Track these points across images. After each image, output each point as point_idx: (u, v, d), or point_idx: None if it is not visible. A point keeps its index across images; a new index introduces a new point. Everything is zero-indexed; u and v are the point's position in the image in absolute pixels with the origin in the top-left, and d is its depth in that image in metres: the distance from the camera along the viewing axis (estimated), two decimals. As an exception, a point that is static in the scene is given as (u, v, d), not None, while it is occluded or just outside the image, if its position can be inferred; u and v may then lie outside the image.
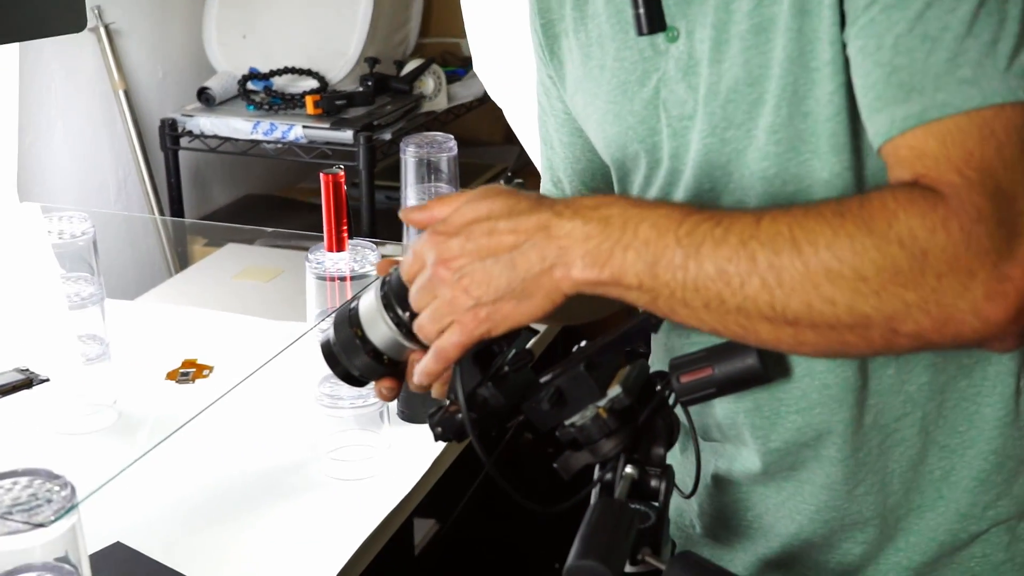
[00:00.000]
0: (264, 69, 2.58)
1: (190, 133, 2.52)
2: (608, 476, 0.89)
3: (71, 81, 2.36)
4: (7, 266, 1.70)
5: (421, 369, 0.90)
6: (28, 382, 1.56)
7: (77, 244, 1.51)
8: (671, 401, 0.92)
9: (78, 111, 2.40)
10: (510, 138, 2.49)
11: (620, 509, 0.82)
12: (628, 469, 0.88)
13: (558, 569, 0.79)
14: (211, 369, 1.70)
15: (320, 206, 1.46)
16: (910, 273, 0.75)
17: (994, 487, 1.01)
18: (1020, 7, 0.80)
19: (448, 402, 0.90)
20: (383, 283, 0.93)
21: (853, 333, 0.78)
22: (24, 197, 2.20)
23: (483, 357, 0.88)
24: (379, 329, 0.93)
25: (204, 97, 2.54)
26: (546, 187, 1.20)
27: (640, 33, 0.96)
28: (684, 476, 1.07)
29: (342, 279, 1.46)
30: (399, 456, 1.49)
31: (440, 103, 2.66)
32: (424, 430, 0.94)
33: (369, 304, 0.94)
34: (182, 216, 2.60)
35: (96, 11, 2.39)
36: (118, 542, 1.31)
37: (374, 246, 1.50)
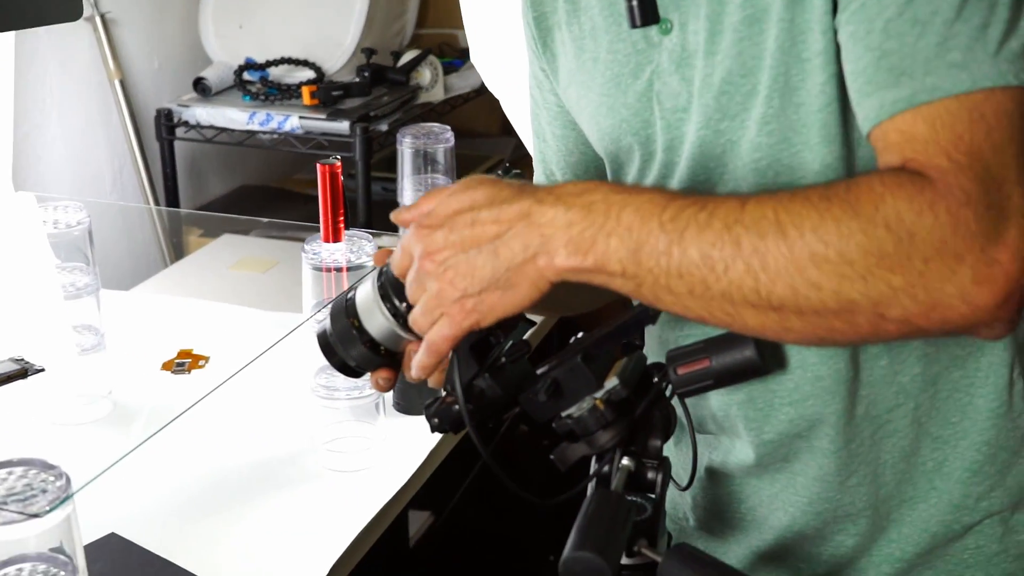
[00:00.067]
0: (260, 59, 2.58)
1: (186, 123, 2.51)
2: (605, 468, 0.89)
3: (67, 70, 2.36)
4: (2, 256, 1.70)
5: (415, 362, 0.90)
6: (23, 372, 1.56)
7: (72, 234, 1.50)
8: (668, 393, 0.92)
9: (74, 100, 2.39)
10: (507, 129, 2.49)
11: (617, 501, 0.82)
12: (625, 461, 0.88)
13: (554, 561, 0.78)
14: (207, 360, 1.69)
15: (316, 197, 1.46)
16: (896, 256, 0.75)
17: (987, 478, 1.01)
18: None
19: (445, 393, 0.90)
20: (380, 273, 0.93)
21: (839, 319, 0.77)
22: (19, 186, 2.20)
23: (480, 348, 0.88)
24: (376, 320, 0.93)
25: (200, 87, 2.53)
26: (539, 180, 1.19)
27: (633, 25, 0.96)
28: (679, 469, 1.07)
29: (338, 270, 1.46)
30: (395, 448, 1.49)
31: (437, 94, 2.65)
32: (420, 422, 0.94)
33: (366, 295, 0.94)
34: (178, 206, 2.59)
35: (92, 0, 2.38)
36: (113, 533, 1.30)
37: (370, 237, 1.50)
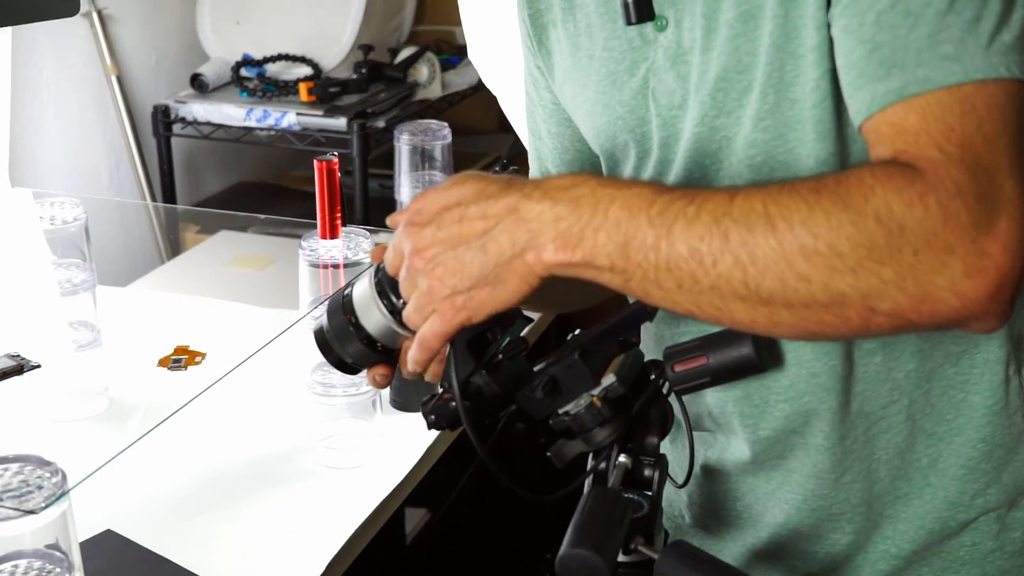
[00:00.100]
0: (258, 55, 2.57)
1: (183, 119, 2.51)
2: (602, 465, 0.88)
3: (64, 66, 2.35)
4: (-2, 252, 1.70)
5: (409, 358, 0.91)
6: (19, 368, 1.55)
7: (69, 230, 1.50)
8: (665, 390, 0.92)
9: (71, 96, 2.38)
10: (504, 126, 2.48)
11: (613, 498, 0.81)
12: (622, 458, 0.88)
13: (551, 559, 0.78)
14: (203, 356, 1.69)
15: (313, 193, 1.46)
16: (887, 248, 0.74)
17: (983, 475, 1.01)
18: None
19: (441, 390, 0.89)
20: (377, 270, 0.93)
21: (829, 312, 0.77)
22: (16, 182, 2.19)
23: (477, 345, 0.88)
24: (373, 316, 0.92)
25: (197, 83, 2.53)
26: (535, 177, 1.19)
27: (628, 22, 0.96)
28: (675, 466, 1.08)
29: (335, 266, 1.46)
30: (391, 445, 1.49)
31: (434, 91, 2.65)
32: (417, 419, 0.94)
33: (363, 291, 0.93)
34: (174, 203, 2.59)
35: (89, -4, 2.38)
36: (109, 530, 1.30)
37: (368, 233, 1.50)
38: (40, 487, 1.00)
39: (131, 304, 1.89)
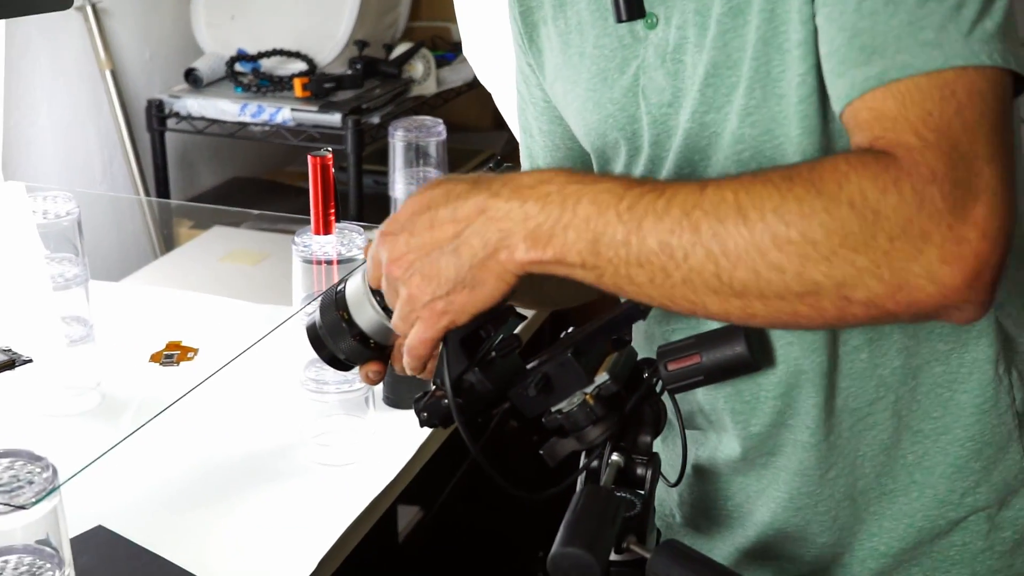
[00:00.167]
0: (252, 51, 2.56)
1: (177, 114, 2.50)
2: (594, 463, 0.88)
3: (57, 60, 2.35)
4: (-10, 246, 1.69)
5: (404, 364, 0.91)
6: (11, 363, 1.55)
7: (61, 224, 1.50)
8: (658, 389, 0.92)
9: (64, 90, 2.38)
10: (499, 123, 2.48)
11: (606, 497, 0.81)
12: (614, 456, 0.88)
13: (543, 557, 0.78)
14: (196, 352, 1.69)
15: (307, 189, 1.46)
16: (861, 236, 0.73)
17: (972, 474, 1.01)
18: None
19: (434, 387, 0.89)
20: (370, 267, 0.92)
21: (804, 302, 0.76)
22: (9, 176, 2.19)
23: (470, 342, 0.87)
24: (366, 313, 0.92)
25: (191, 78, 2.52)
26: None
27: (619, 20, 0.96)
28: (666, 465, 1.07)
29: (329, 262, 1.46)
30: (384, 442, 1.49)
31: (429, 87, 2.65)
32: (410, 416, 0.94)
33: (356, 287, 0.93)
34: (168, 198, 2.58)
35: (83, -10, 2.37)
36: (100, 525, 1.30)
37: (361, 230, 1.50)
38: (31, 482, 1.00)
39: (124, 299, 1.89)
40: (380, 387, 1.57)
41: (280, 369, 1.61)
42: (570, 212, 0.79)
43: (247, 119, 2.45)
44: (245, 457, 1.46)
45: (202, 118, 2.49)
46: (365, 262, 0.94)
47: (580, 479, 0.89)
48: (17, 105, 2.24)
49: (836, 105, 0.83)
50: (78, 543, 1.22)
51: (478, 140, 3.02)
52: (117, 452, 1.25)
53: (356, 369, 0.97)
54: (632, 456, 0.89)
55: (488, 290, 0.83)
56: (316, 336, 0.96)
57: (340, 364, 0.96)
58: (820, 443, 1.01)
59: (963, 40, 0.77)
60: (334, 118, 2.38)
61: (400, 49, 2.63)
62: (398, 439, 1.50)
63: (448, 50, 2.84)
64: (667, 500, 1.16)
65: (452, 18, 2.20)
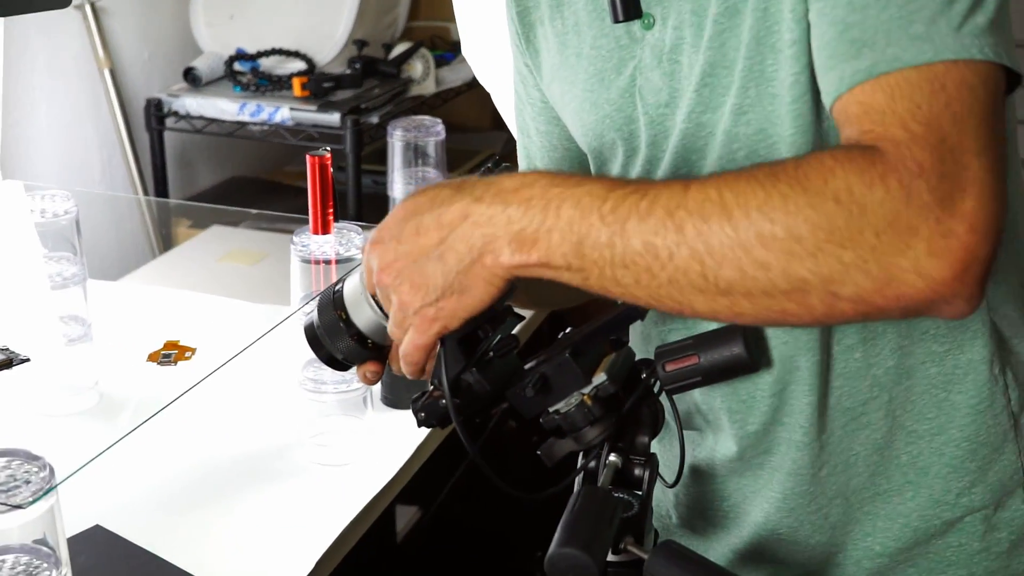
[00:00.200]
0: (251, 50, 2.56)
1: (176, 113, 2.50)
2: (592, 464, 0.88)
3: (56, 59, 2.34)
4: (-11, 245, 1.69)
5: (402, 368, 0.91)
6: (8, 362, 1.55)
7: (60, 223, 1.50)
8: (656, 390, 0.92)
9: (63, 89, 2.37)
10: (498, 123, 2.48)
11: (603, 497, 0.81)
12: (612, 457, 0.88)
13: (540, 557, 0.78)
14: (193, 351, 1.69)
15: (306, 189, 1.45)
16: (847, 231, 0.72)
17: (967, 474, 1.01)
18: None
19: (432, 387, 0.89)
20: (368, 267, 0.92)
21: (791, 300, 0.75)
22: (7, 175, 2.19)
23: (468, 342, 0.87)
24: (364, 313, 0.92)
25: (190, 77, 2.52)
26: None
27: (616, 20, 0.96)
28: (663, 466, 1.07)
29: (327, 262, 1.45)
30: (382, 442, 1.48)
31: (428, 87, 2.64)
32: (407, 416, 0.94)
33: (354, 287, 0.93)
34: (167, 197, 2.58)
35: (82, -12, 2.37)
36: (97, 525, 1.30)
37: (360, 229, 1.49)
38: (28, 481, 1.00)
39: (122, 298, 1.89)
40: (378, 387, 1.57)
41: (278, 369, 1.61)
42: (553, 215, 0.79)
43: (246, 118, 2.44)
44: (243, 457, 1.46)
45: (201, 117, 2.48)
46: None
47: (578, 479, 0.89)
48: (16, 104, 2.24)
49: (826, 99, 0.82)
50: (75, 543, 1.22)
51: (477, 140, 3.02)
52: (114, 451, 1.24)
53: (354, 369, 0.97)
54: (630, 457, 0.89)
55: (477, 295, 0.83)
56: (314, 336, 0.96)
57: (338, 364, 0.96)
58: (812, 442, 1.01)
59: (953, 34, 0.77)
60: (333, 118, 2.38)
61: (399, 49, 2.63)
62: (396, 439, 1.49)
63: (447, 50, 2.84)
64: (663, 501, 1.16)
65: (451, 18, 2.20)
